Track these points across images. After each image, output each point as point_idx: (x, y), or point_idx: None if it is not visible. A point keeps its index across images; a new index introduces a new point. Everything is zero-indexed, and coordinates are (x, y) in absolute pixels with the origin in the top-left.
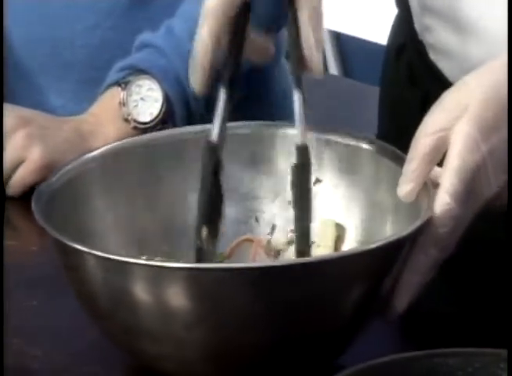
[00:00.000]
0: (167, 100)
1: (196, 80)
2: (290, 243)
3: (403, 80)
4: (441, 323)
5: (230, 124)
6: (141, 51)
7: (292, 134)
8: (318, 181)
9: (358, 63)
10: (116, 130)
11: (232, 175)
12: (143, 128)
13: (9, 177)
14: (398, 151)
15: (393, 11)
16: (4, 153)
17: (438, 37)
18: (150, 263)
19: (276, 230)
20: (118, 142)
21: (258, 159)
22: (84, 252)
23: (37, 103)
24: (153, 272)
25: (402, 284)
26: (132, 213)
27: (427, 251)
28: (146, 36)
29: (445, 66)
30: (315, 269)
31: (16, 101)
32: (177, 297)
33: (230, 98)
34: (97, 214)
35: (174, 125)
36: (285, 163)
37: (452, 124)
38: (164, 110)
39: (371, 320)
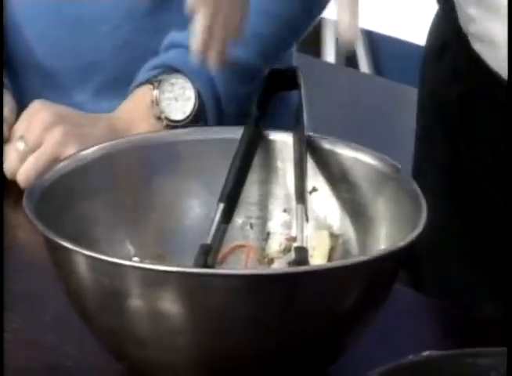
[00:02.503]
0: (199, 99)
1: None
2: (283, 251)
3: (445, 79)
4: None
5: (226, 128)
6: (170, 50)
7: (289, 140)
8: (314, 190)
9: (390, 62)
10: (149, 128)
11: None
12: (175, 127)
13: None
14: (396, 163)
15: (424, 9)
16: (42, 148)
17: (482, 27)
18: (140, 265)
19: (270, 238)
20: (112, 142)
21: (254, 165)
22: (73, 250)
23: (60, 103)
24: (142, 274)
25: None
26: (125, 213)
27: None
28: (174, 36)
29: (489, 56)
30: (307, 279)
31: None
32: (166, 300)
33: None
34: (89, 212)
35: (206, 124)
36: (281, 169)
37: None
38: (196, 108)
39: (363, 329)
